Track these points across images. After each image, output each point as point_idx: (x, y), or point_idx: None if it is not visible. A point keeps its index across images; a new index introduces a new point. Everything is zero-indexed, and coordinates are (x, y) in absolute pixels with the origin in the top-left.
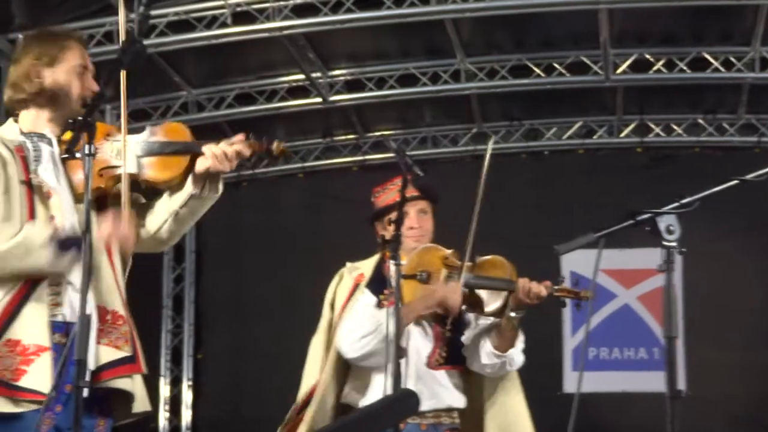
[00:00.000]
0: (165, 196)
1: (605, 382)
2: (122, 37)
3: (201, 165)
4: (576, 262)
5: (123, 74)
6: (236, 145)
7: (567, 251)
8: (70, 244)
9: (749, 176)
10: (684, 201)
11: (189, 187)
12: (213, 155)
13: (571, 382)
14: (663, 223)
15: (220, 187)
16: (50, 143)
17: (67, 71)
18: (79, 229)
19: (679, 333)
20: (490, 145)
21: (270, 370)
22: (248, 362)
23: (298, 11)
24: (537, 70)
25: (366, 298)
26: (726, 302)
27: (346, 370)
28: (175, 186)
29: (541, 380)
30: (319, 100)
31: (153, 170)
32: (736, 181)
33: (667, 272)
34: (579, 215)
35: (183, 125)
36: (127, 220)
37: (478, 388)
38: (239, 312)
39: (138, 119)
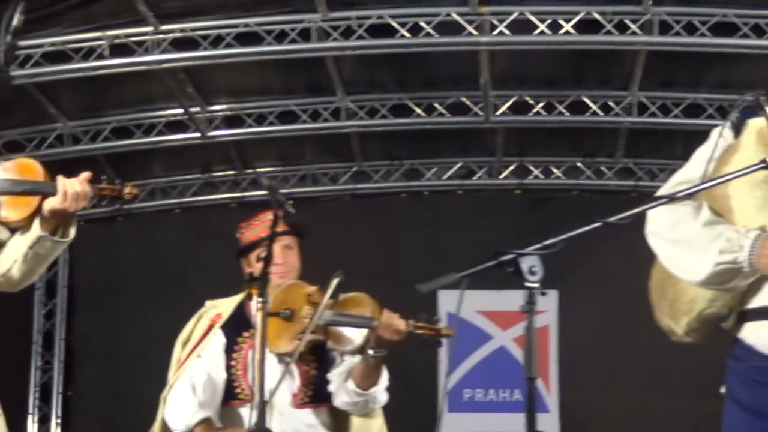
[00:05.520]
0: (17, 234)
1: (480, 423)
2: None
3: (48, 204)
4: (453, 303)
5: None
6: (86, 185)
7: (428, 290)
8: None
9: (612, 219)
10: (547, 242)
11: (36, 229)
12: (61, 194)
13: (448, 424)
14: (525, 264)
15: (72, 231)
16: None
17: None
18: None
19: (554, 375)
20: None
21: (143, 409)
22: (121, 401)
23: (178, 45)
24: (417, 110)
25: (217, 340)
26: (602, 344)
27: None
28: (26, 226)
29: (416, 422)
30: (197, 135)
31: (1, 209)
32: (599, 224)
33: (529, 313)
34: (458, 256)
35: (36, 162)
36: None
37: (345, 426)
38: (113, 350)
39: (12, 150)
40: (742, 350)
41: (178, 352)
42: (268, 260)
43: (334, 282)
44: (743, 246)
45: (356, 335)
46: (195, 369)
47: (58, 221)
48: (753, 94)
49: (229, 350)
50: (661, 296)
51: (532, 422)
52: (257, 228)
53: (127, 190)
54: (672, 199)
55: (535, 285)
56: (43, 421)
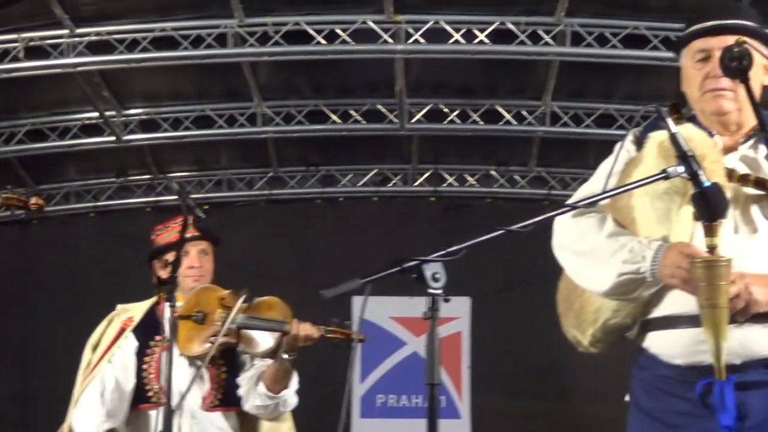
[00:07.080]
0: None
1: (393, 429)
2: None
3: None
4: (367, 309)
5: None
6: None
7: (332, 296)
8: None
9: (514, 227)
10: (450, 249)
11: None
12: None
13: (360, 430)
14: (429, 270)
15: None
16: None
17: None
18: None
19: (466, 381)
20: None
21: (54, 413)
22: (32, 404)
23: (93, 48)
24: (333, 116)
25: (129, 344)
26: (513, 351)
27: None
28: None
29: (327, 426)
30: (112, 138)
31: None
32: (501, 231)
33: (432, 320)
34: (372, 262)
35: None
36: None
37: (254, 430)
38: (25, 353)
39: None
40: (646, 359)
41: (88, 355)
42: (176, 264)
43: (240, 300)
44: (646, 256)
45: (268, 339)
46: (106, 375)
47: None
48: (655, 106)
49: (142, 353)
50: (567, 308)
51: (433, 428)
52: (173, 231)
53: (33, 200)
54: (573, 207)
55: (438, 291)
56: None
